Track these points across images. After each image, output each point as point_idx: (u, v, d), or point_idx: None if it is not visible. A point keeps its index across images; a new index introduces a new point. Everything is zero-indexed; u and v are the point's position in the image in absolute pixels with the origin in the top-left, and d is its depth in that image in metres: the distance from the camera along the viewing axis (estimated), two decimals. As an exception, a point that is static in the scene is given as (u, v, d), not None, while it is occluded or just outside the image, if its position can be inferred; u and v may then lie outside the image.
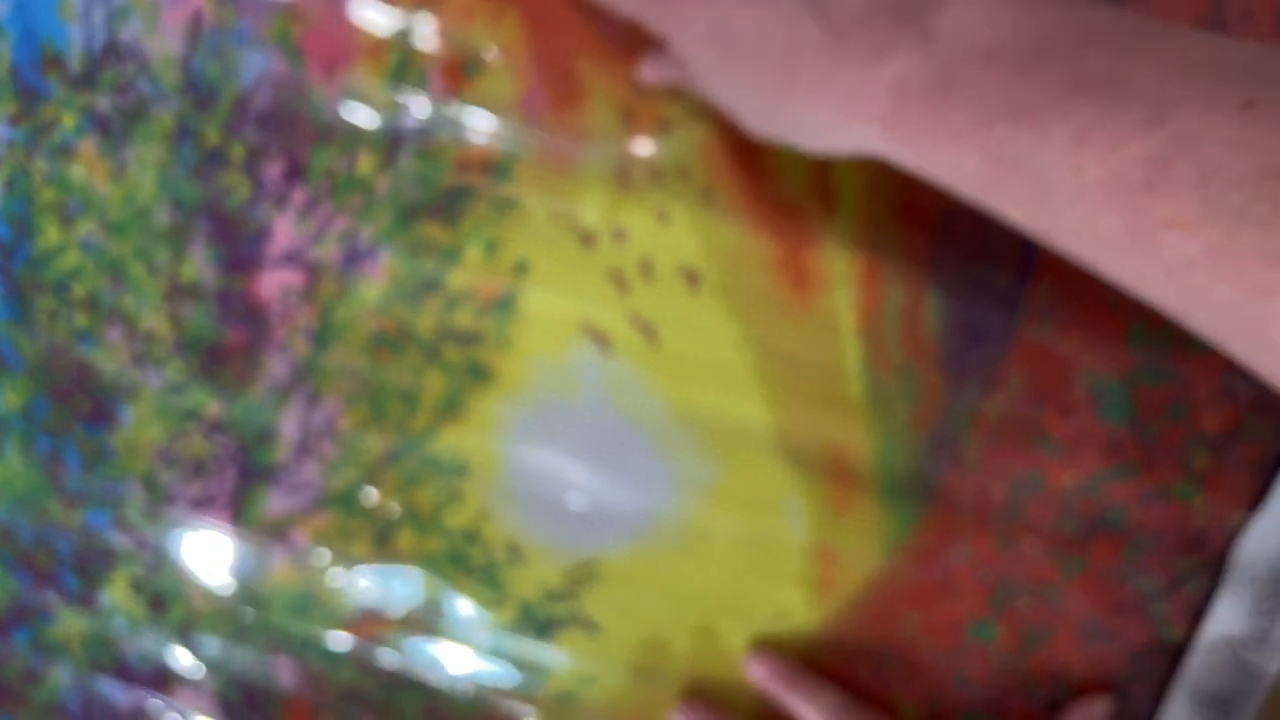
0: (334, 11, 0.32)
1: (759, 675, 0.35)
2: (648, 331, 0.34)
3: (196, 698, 0.39)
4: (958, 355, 0.33)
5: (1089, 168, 0.19)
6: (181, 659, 0.39)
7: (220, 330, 0.36)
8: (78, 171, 0.35)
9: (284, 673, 0.39)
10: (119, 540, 0.38)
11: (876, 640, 0.36)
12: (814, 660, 0.36)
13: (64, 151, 0.34)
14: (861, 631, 0.36)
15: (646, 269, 0.33)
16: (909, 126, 0.22)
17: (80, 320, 0.36)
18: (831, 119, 0.23)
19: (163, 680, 0.39)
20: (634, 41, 0.31)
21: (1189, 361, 0.32)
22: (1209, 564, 0.34)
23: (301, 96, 0.33)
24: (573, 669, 0.37)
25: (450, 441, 0.35)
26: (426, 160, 0.33)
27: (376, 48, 0.32)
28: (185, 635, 0.39)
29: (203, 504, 0.37)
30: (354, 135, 0.33)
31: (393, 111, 0.33)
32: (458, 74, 0.32)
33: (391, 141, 0.33)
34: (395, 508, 0.36)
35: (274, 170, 0.34)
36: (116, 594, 0.39)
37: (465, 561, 0.37)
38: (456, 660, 0.38)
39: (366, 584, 0.37)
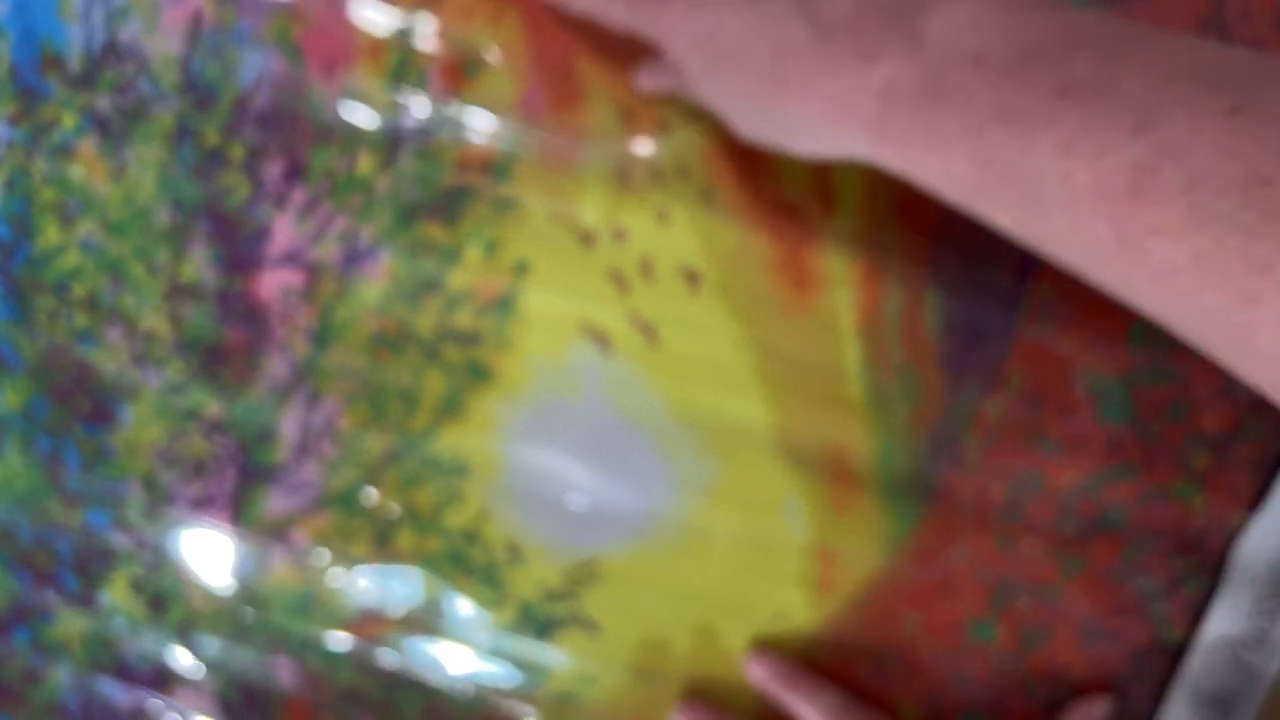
0: (334, 11, 0.32)
1: (759, 675, 0.35)
2: (648, 331, 0.34)
3: (196, 698, 0.39)
4: (958, 355, 0.33)
5: (1076, 174, 0.19)
6: (181, 659, 0.39)
7: (220, 330, 0.36)
8: (77, 171, 0.35)
9: (284, 673, 0.39)
10: (119, 540, 0.38)
11: (876, 640, 0.36)
12: (814, 660, 0.36)
13: (64, 151, 0.34)
14: (861, 631, 0.36)
15: (646, 269, 0.33)
16: (897, 131, 0.22)
17: (80, 320, 0.36)
18: (820, 123, 0.23)
19: (163, 680, 0.39)
20: (634, 42, 0.31)
21: (1189, 361, 0.32)
22: (1209, 564, 0.34)
23: (301, 96, 0.33)
24: (573, 669, 0.37)
25: (450, 441, 0.35)
26: (426, 160, 0.33)
27: (376, 48, 0.32)
28: (185, 635, 0.39)
29: (203, 504, 0.37)
30: (354, 135, 0.33)
31: (393, 111, 0.33)
32: (458, 74, 0.32)
33: (391, 141, 0.33)
34: (395, 508, 0.36)
35: (274, 170, 0.34)
36: (116, 594, 0.39)
37: (465, 561, 0.37)
38: (456, 660, 0.38)
39: (366, 584, 0.37)
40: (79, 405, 0.37)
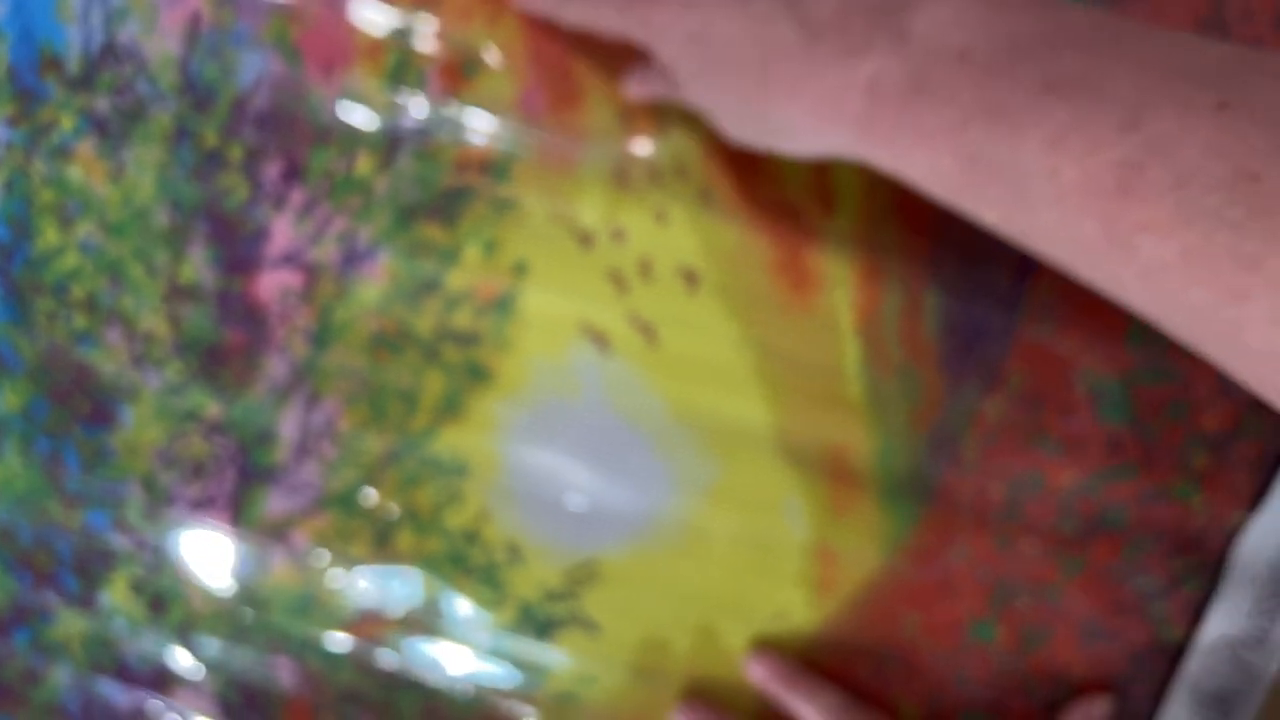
0: (332, 12, 0.32)
1: (759, 675, 0.35)
2: (647, 332, 0.34)
3: (196, 698, 0.39)
4: (957, 355, 0.33)
5: (1064, 170, 0.19)
6: (181, 660, 0.39)
7: (219, 331, 0.36)
8: (76, 173, 0.35)
9: (284, 673, 0.39)
10: (119, 541, 0.38)
11: (876, 640, 0.36)
12: (814, 660, 0.36)
13: (62, 153, 0.34)
14: (861, 631, 0.36)
15: (645, 269, 0.33)
16: (883, 128, 0.22)
17: (79, 321, 0.36)
18: (808, 122, 0.23)
19: (162, 681, 0.40)
20: (635, 59, 0.31)
21: (1188, 361, 0.32)
22: (1208, 564, 0.34)
23: (300, 97, 0.33)
24: (573, 669, 0.37)
25: (450, 442, 0.35)
26: (425, 161, 0.33)
27: (375, 48, 0.32)
28: (185, 636, 0.39)
29: (202, 505, 0.37)
30: (352, 136, 0.33)
31: (391, 112, 0.33)
32: (456, 74, 0.32)
33: (390, 142, 0.33)
34: (395, 508, 0.36)
35: (272, 171, 0.34)
36: (116, 595, 0.39)
37: (465, 562, 0.37)
38: (456, 660, 0.38)
39: (366, 585, 0.37)
40: (78, 406, 0.37)
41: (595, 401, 0.35)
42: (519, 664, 0.37)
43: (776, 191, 0.32)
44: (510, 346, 0.34)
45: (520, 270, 0.34)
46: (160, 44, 0.33)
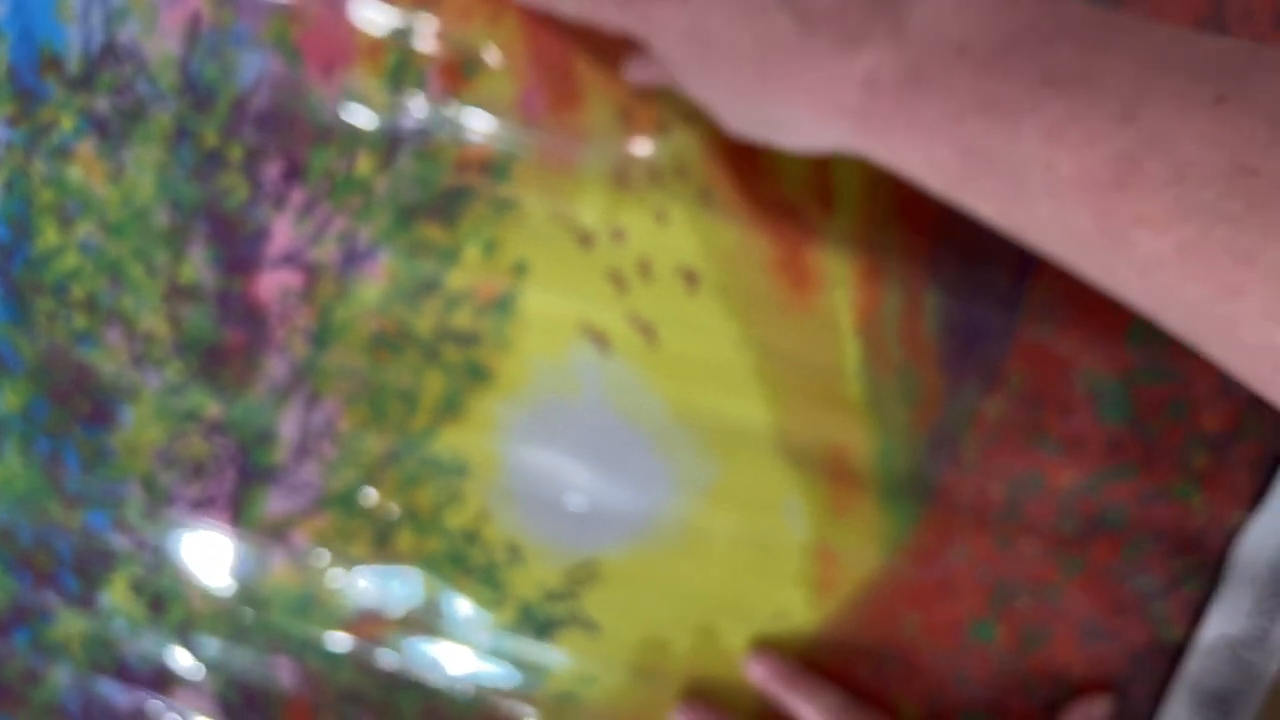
0: (332, 12, 0.32)
1: (759, 675, 0.35)
2: (647, 331, 0.34)
3: (196, 699, 0.39)
4: (957, 355, 0.33)
5: (1060, 163, 0.19)
6: (181, 660, 0.39)
7: (219, 331, 0.36)
8: (76, 173, 0.35)
9: (284, 673, 0.39)
10: (119, 541, 0.38)
11: (876, 640, 0.36)
12: (814, 660, 0.36)
13: (62, 153, 0.34)
14: (861, 631, 0.35)
15: (645, 269, 0.33)
16: (880, 120, 0.22)
17: (79, 321, 0.36)
18: (805, 114, 0.23)
19: (162, 681, 0.40)
20: (631, 43, 0.31)
21: (1188, 360, 0.32)
22: (1208, 563, 0.34)
23: (300, 97, 0.33)
24: (573, 669, 0.37)
25: (450, 442, 0.35)
26: (425, 161, 0.33)
27: (375, 48, 0.32)
28: (185, 636, 0.39)
29: (202, 505, 0.37)
30: (352, 136, 0.33)
31: (391, 112, 0.33)
32: (456, 74, 0.32)
33: (390, 142, 0.33)
34: (395, 508, 0.36)
35: (273, 171, 0.34)
36: (116, 595, 0.39)
37: (465, 562, 0.37)
38: (456, 660, 0.38)
39: (366, 584, 0.37)
40: (78, 406, 0.37)
41: (595, 401, 0.35)
42: (519, 664, 0.37)
43: (776, 191, 0.32)
44: (510, 346, 0.34)
45: (520, 270, 0.34)
46: (160, 44, 0.33)
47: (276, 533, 0.37)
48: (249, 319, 0.35)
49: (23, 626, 0.40)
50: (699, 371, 0.34)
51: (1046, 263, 0.32)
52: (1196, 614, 0.34)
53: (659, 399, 0.34)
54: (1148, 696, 0.35)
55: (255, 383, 0.36)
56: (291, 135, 0.33)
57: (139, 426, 0.37)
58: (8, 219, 0.35)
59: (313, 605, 0.38)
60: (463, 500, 0.36)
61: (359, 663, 0.38)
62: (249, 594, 0.38)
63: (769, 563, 0.35)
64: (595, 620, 0.36)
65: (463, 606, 0.37)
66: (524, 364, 0.34)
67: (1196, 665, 0.34)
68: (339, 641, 0.38)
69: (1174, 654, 0.34)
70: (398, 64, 0.32)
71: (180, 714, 0.40)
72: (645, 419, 0.35)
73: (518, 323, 0.34)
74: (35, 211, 0.35)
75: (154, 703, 0.40)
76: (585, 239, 0.33)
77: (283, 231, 0.34)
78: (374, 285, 0.34)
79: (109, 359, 0.36)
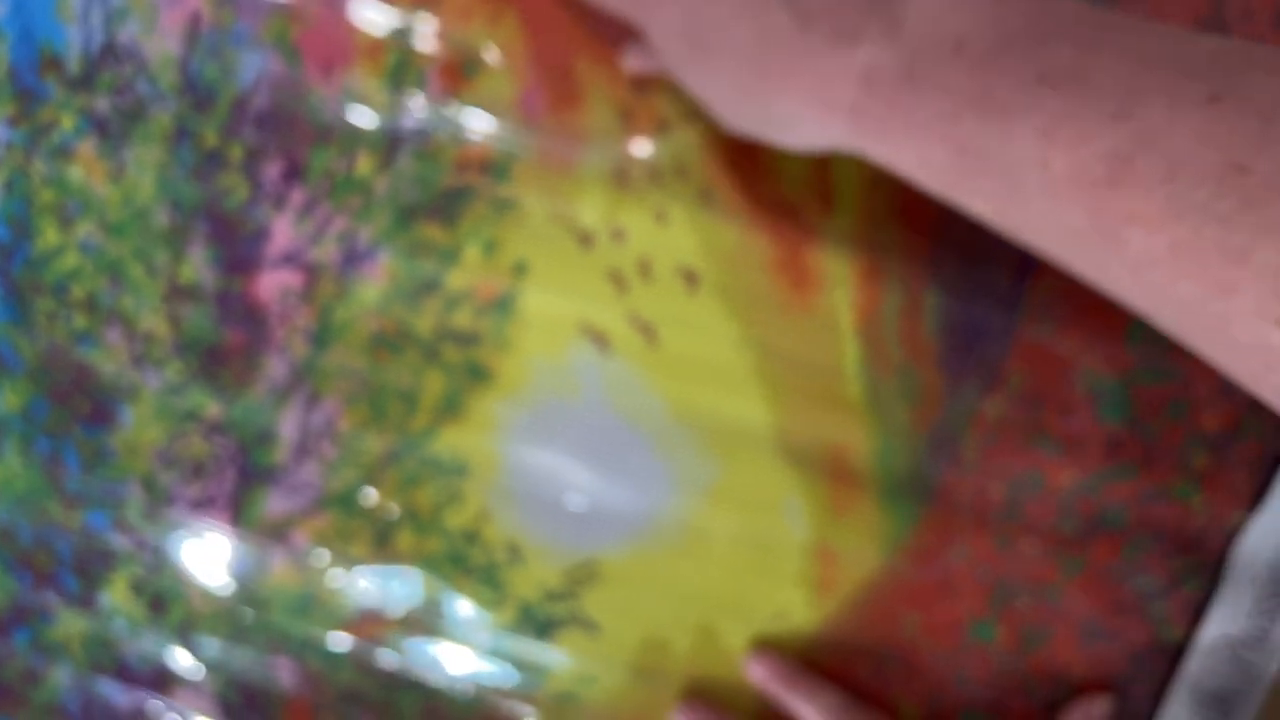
0: (332, 12, 0.32)
1: (759, 675, 0.35)
2: (647, 331, 0.34)
3: (196, 699, 0.39)
4: (957, 355, 0.33)
5: (1055, 161, 0.19)
6: (181, 660, 0.39)
7: (219, 331, 0.36)
8: (76, 173, 0.35)
9: (284, 673, 0.39)
10: (119, 541, 0.38)
11: (876, 640, 0.36)
12: (814, 660, 0.36)
13: (63, 153, 0.34)
14: (861, 631, 0.35)
15: (645, 269, 0.33)
16: (875, 118, 0.22)
17: (79, 321, 0.36)
18: (800, 110, 0.23)
19: (162, 681, 0.40)
20: (632, 36, 0.31)
21: (1188, 360, 0.32)
22: (1208, 563, 0.34)
23: (300, 97, 0.33)
24: (573, 669, 0.37)
25: (450, 442, 0.35)
26: (425, 161, 0.33)
27: (375, 48, 0.32)
28: (185, 636, 0.39)
29: (202, 505, 0.37)
30: (352, 136, 0.33)
31: (391, 112, 0.33)
32: (456, 74, 0.32)
33: (390, 142, 0.33)
34: (395, 508, 0.36)
35: (273, 171, 0.34)
36: (116, 595, 0.39)
37: (465, 562, 0.37)
38: (456, 660, 0.38)
39: (366, 584, 0.37)
40: (78, 406, 0.37)
41: (595, 401, 0.35)
42: (519, 664, 0.37)
43: (776, 191, 0.32)
44: (510, 346, 0.34)
45: (520, 270, 0.34)
46: (160, 44, 0.33)
47: (276, 533, 0.37)
48: (249, 319, 0.35)
49: (23, 626, 0.40)
50: (699, 371, 0.34)
51: (1046, 263, 0.32)
52: (1196, 614, 0.34)
53: (659, 399, 0.34)
54: (1148, 696, 0.35)
55: (255, 383, 0.36)
56: (291, 135, 0.33)
57: (139, 426, 0.37)
58: (8, 219, 0.35)
59: (313, 605, 0.38)
60: (463, 500, 0.36)
61: (359, 663, 0.38)
62: (249, 594, 0.38)
63: (769, 563, 0.35)
64: (595, 620, 0.36)
65: (463, 606, 0.37)
66: (524, 364, 0.34)
67: (1196, 665, 0.34)
68: (339, 641, 0.38)
69: (1174, 654, 0.34)
70: (398, 64, 0.32)
71: (180, 714, 0.40)
72: (645, 419, 0.35)
73: (518, 323, 0.34)
74: (35, 211, 0.35)
75: (154, 703, 0.40)
76: (585, 239, 0.33)
77: (283, 231, 0.34)
78: (374, 285, 0.34)
79: (109, 359, 0.36)
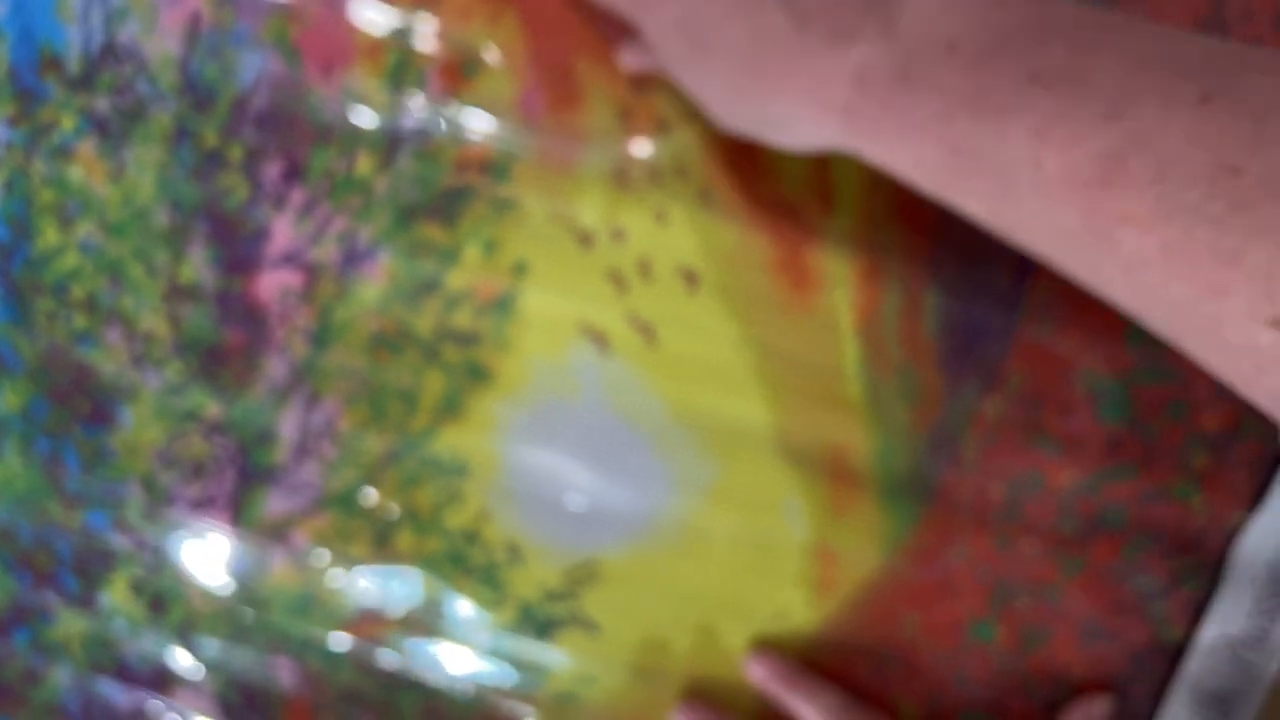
0: (332, 12, 0.32)
1: (759, 675, 0.35)
2: (646, 332, 0.34)
3: (196, 699, 0.39)
4: (956, 355, 0.33)
5: (1047, 161, 0.19)
6: (181, 660, 0.39)
7: (219, 331, 0.36)
8: (76, 173, 0.35)
9: (284, 673, 0.39)
10: (119, 541, 0.38)
11: (876, 640, 0.36)
12: (814, 660, 0.36)
13: (63, 153, 0.34)
14: (861, 631, 0.35)
15: (645, 269, 0.33)
16: (869, 118, 0.22)
17: (79, 321, 0.36)
18: (795, 110, 0.23)
19: (162, 681, 0.40)
20: (630, 34, 0.31)
21: (1188, 361, 0.32)
22: (1208, 563, 0.34)
23: (300, 97, 0.33)
24: (573, 669, 0.37)
25: (449, 442, 0.35)
26: (425, 161, 0.33)
27: (374, 48, 0.32)
28: (185, 636, 0.39)
29: (202, 505, 0.37)
30: (352, 136, 0.33)
31: (391, 112, 0.33)
32: (456, 74, 0.32)
33: (390, 142, 0.33)
34: (395, 508, 0.36)
35: (272, 171, 0.34)
36: (116, 595, 0.39)
37: (465, 562, 0.37)
38: (456, 660, 0.38)
39: (366, 584, 0.37)
40: (78, 406, 0.37)
41: (595, 401, 0.35)
42: (519, 664, 0.37)
43: (776, 191, 0.32)
44: (510, 346, 0.34)
45: (520, 270, 0.34)
46: (160, 44, 0.33)
47: (276, 533, 0.37)
48: (249, 319, 0.35)
49: (23, 627, 0.40)
50: (699, 371, 0.34)
51: (1035, 258, 0.32)
52: (1196, 614, 0.34)
53: (659, 399, 0.34)
54: (1148, 696, 0.35)
55: (255, 383, 0.36)
56: (291, 135, 0.33)
57: (139, 427, 0.37)
58: (8, 219, 0.35)
59: (313, 605, 0.38)
60: (463, 500, 0.36)
61: (359, 663, 0.38)
62: (249, 594, 0.38)
63: (769, 563, 0.35)
64: (595, 620, 0.36)
65: (463, 606, 0.37)
66: (524, 364, 0.34)
67: (1196, 665, 0.34)
68: (339, 641, 0.38)
69: (1174, 654, 0.34)
70: (398, 64, 0.32)
71: (180, 714, 0.40)
72: (645, 419, 0.35)
73: (518, 323, 0.34)
74: (35, 211, 0.35)
75: (154, 703, 0.40)
76: (585, 239, 0.33)
77: (283, 231, 0.34)
78: (374, 285, 0.34)
79: (109, 359, 0.36)
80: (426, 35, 0.32)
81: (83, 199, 0.35)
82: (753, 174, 0.32)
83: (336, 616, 0.38)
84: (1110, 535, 0.34)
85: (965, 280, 0.32)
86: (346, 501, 0.36)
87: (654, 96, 0.32)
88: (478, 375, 0.35)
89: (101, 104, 0.34)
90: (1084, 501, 0.33)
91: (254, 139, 0.34)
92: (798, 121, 0.23)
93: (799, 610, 0.36)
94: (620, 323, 0.34)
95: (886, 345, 0.33)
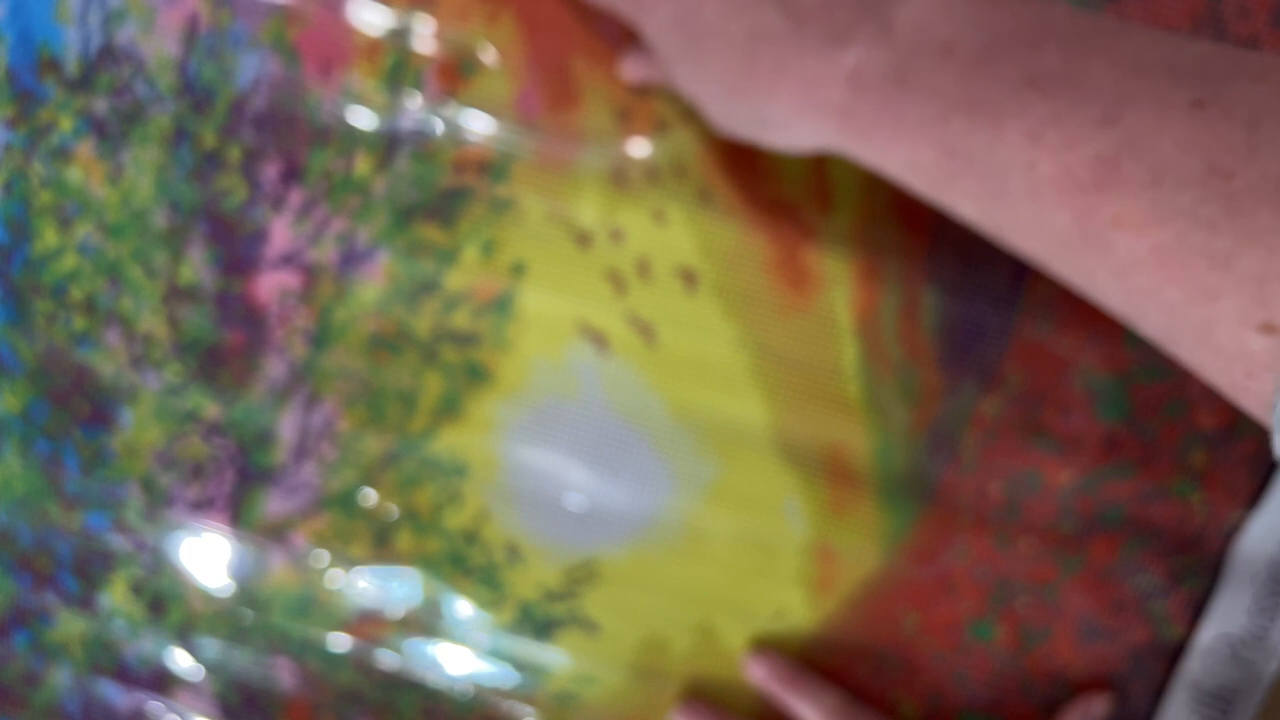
0: (330, 13, 0.32)
1: (759, 675, 0.35)
2: (645, 331, 0.34)
3: (196, 700, 0.39)
4: (955, 354, 0.33)
5: (1041, 164, 0.19)
6: (181, 661, 0.39)
7: (218, 332, 0.36)
8: (75, 174, 0.35)
9: (283, 674, 0.39)
10: (118, 542, 0.38)
11: (876, 640, 0.36)
12: (814, 660, 0.36)
13: (61, 154, 0.34)
14: (861, 631, 0.35)
15: (643, 269, 0.33)
16: (864, 119, 0.22)
17: (78, 323, 0.36)
18: (790, 111, 0.23)
19: (162, 682, 0.40)
20: (630, 41, 0.31)
21: (1187, 359, 0.32)
22: (1208, 562, 0.34)
23: (298, 98, 0.33)
24: (572, 669, 0.37)
25: (449, 442, 0.35)
26: (423, 161, 0.33)
27: (372, 49, 0.32)
28: (185, 637, 0.39)
29: (202, 506, 0.37)
30: (351, 136, 0.33)
31: (389, 112, 0.33)
32: (454, 75, 0.32)
33: (388, 143, 0.33)
34: (394, 509, 0.36)
35: (271, 172, 0.34)
36: (116, 596, 0.39)
37: (464, 562, 0.37)
38: (456, 661, 0.38)
39: (365, 585, 0.37)
40: (78, 408, 0.37)
41: (594, 401, 0.35)
42: (519, 664, 0.37)
43: (775, 191, 0.32)
44: (509, 347, 0.34)
45: (518, 270, 0.34)
46: (158, 45, 0.33)
47: (276, 534, 0.37)
48: (248, 320, 0.35)
49: (22, 628, 0.40)
50: (698, 371, 0.34)
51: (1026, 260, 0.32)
52: (1196, 613, 0.34)
53: (658, 399, 0.34)
54: (1147, 695, 0.35)
55: (254, 384, 0.36)
56: (290, 136, 0.33)
57: (138, 428, 0.37)
58: (7, 220, 0.35)
59: (312, 606, 0.38)
60: (462, 500, 0.36)
61: (359, 663, 0.38)
62: (248, 595, 0.38)
63: (768, 562, 0.35)
64: (595, 620, 0.36)
65: (462, 607, 0.37)
66: (523, 364, 0.35)
67: (1196, 664, 0.34)
68: (338, 642, 0.38)
69: (1173, 653, 0.34)
70: (395, 64, 0.32)
71: (180, 715, 0.40)
72: (644, 419, 0.35)
73: (516, 323, 0.34)
74: (34, 213, 0.35)
75: (154, 704, 0.40)
76: (583, 239, 0.33)
77: (281, 232, 0.34)
78: (373, 286, 0.34)
79: (108, 360, 0.36)
80: (424, 36, 0.32)
81: (81, 200, 0.35)
82: (751, 174, 0.32)
83: (336, 617, 0.38)
84: (1109, 534, 0.34)
85: (963, 280, 0.32)
86: (346, 502, 0.37)
87: (652, 97, 0.32)
88: (477, 375, 0.35)
89: (100, 105, 0.34)
90: (1083, 500, 0.33)
91: (252, 140, 0.34)
92: (793, 122, 0.23)
93: (798, 610, 0.36)
94: (619, 323, 0.34)
95: (885, 345, 0.33)
